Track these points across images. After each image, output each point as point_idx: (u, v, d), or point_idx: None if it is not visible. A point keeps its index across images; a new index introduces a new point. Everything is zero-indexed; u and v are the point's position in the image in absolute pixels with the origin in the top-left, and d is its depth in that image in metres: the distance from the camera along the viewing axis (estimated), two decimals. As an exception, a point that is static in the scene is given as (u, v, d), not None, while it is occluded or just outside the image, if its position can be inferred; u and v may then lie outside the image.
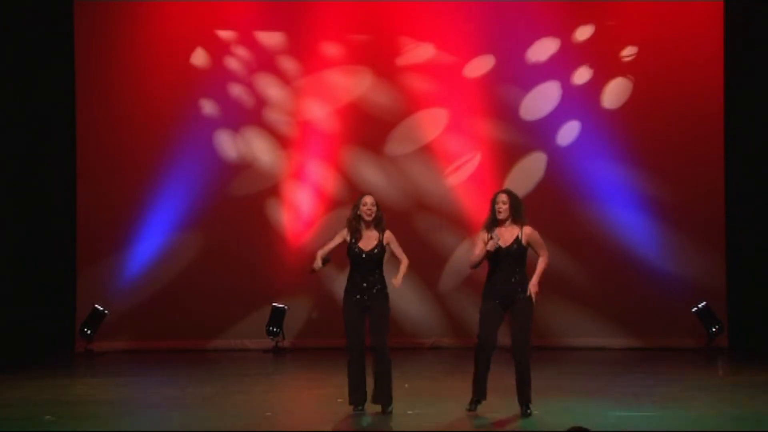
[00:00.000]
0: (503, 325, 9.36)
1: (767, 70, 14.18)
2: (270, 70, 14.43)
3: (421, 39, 14.39)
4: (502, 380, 9.87)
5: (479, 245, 9.31)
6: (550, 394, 9.84)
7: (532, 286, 9.20)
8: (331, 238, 9.53)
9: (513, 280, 9.23)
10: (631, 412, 9.53)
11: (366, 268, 9.35)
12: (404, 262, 9.43)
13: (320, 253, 9.31)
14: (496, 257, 9.22)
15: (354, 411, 9.36)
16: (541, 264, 9.29)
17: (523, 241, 9.24)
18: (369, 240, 9.38)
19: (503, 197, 9.31)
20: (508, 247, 9.22)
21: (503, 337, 9.59)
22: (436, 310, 14.36)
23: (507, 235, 9.26)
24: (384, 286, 9.39)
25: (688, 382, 11.38)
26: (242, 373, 12.39)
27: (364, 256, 9.33)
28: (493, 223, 9.30)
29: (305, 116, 14.42)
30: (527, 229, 9.29)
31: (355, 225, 9.40)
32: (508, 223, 9.28)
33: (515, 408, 9.33)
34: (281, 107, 14.43)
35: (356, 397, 9.39)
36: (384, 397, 9.37)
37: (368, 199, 9.45)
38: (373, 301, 9.33)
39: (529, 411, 9.21)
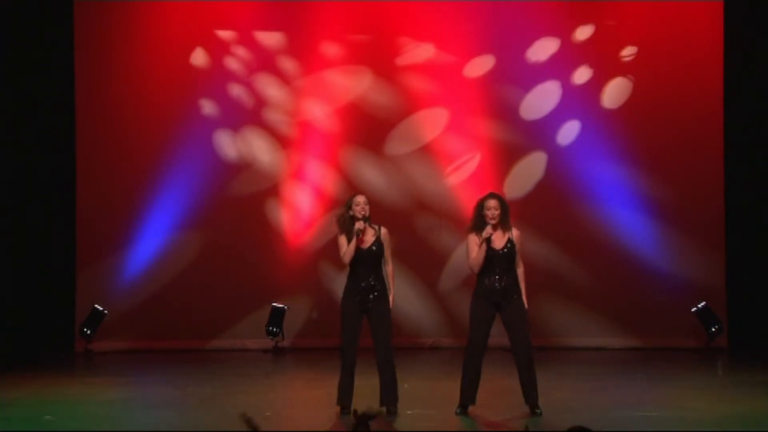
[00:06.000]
0: (495, 326, 9.36)
1: (767, 70, 14.18)
2: (270, 70, 14.42)
3: (421, 39, 14.39)
4: (501, 381, 9.88)
5: (473, 248, 9.29)
6: (550, 394, 9.83)
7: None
8: (340, 241, 9.38)
9: (505, 281, 9.23)
10: (631, 412, 9.52)
11: (366, 267, 9.33)
12: (390, 270, 9.40)
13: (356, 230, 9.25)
14: (489, 259, 9.21)
15: (342, 412, 9.35)
16: (523, 280, 9.31)
17: (515, 242, 9.25)
18: (365, 238, 9.35)
19: (494, 203, 9.26)
20: (501, 249, 9.23)
21: (501, 338, 9.60)
22: (436, 310, 14.35)
23: (498, 237, 9.26)
24: (383, 287, 9.38)
25: (688, 382, 11.38)
26: (242, 373, 12.39)
27: (363, 253, 9.32)
28: (481, 227, 9.27)
29: (305, 116, 14.41)
30: (516, 231, 9.31)
31: (349, 225, 9.34)
32: (497, 227, 9.27)
33: (515, 409, 9.33)
34: (281, 107, 14.43)
35: (346, 400, 9.39)
36: (392, 398, 9.38)
37: (361, 199, 9.38)
38: (373, 303, 9.32)
39: (538, 411, 9.21)
